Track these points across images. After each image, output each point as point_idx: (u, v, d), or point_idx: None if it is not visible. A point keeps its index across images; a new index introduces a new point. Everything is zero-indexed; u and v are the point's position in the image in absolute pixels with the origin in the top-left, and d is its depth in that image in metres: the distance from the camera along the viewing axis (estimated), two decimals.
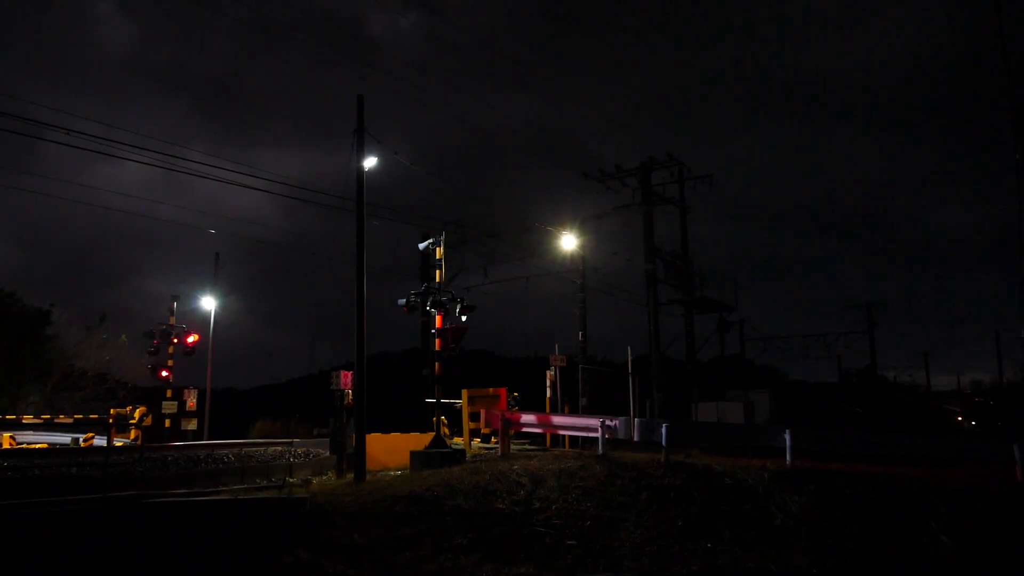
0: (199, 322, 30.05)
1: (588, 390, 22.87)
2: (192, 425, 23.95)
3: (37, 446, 20.48)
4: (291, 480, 14.84)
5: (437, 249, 18.38)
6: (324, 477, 15.83)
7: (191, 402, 23.78)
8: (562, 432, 19.21)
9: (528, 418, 17.77)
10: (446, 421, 21.26)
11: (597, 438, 14.72)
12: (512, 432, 17.85)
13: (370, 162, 16.08)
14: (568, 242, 27.22)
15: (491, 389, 21.24)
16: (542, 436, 21.15)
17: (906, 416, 49.03)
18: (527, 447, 20.78)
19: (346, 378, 16.02)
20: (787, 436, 13.77)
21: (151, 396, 23.44)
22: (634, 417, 16.00)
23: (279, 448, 19.75)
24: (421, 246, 19.67)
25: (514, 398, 21.50)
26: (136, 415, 21.24)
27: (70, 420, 20.98)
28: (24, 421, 19.75)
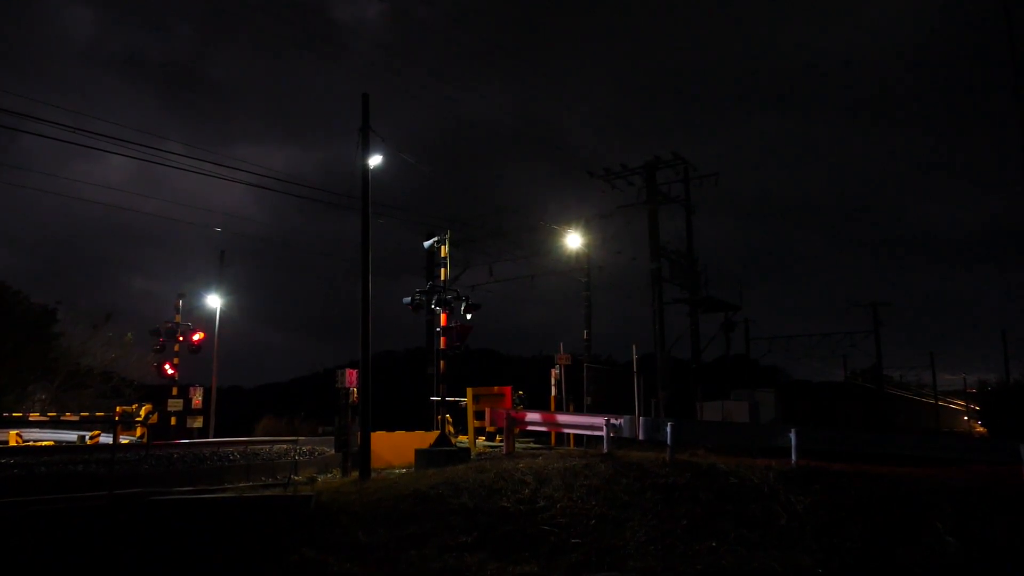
0: (204, 320, 30.20)
1: (593, 389, 22.86)
2: (198, 423, 24.03)
3: (43, 443, 20.55)
4: (296, 478, 14.87)
5: (442, 247, 18.37)
6: (329, 475, 15.86)
7: (197, 400, 23.86)
8: (567, 431, 19.21)
9: (533, 416, 17.77)
10: (451, 419, 21.28)
11: (602, 437, 14.72)
12: (517, 431, 17.85)
13: (375, 160, 16.08)
14: (573, 241, 27.22)
15: (496, 388, 21.23)
16: (547, 435, 21.15)
17: (911, 416, 48.94)
18: (532, 446, 20.78)
19: (351, 376, 16.03)
20: (792, 436, 13.76)
21: (157, 394, 23.51)
22: (639, 416, 15.98)
23: (284, 446, 19.81)
24: (426, 244, 19.65)
25: (519, 396, 21.49)
26: (142, 413, 21.30)
27: (76, 418, 21.03)
28: (31, 419, 19.80)
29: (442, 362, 17.80)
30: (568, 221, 27.67)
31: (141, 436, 20.83)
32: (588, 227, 27.62)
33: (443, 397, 17.90)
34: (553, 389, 22.95)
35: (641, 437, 14.85)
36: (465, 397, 21.20)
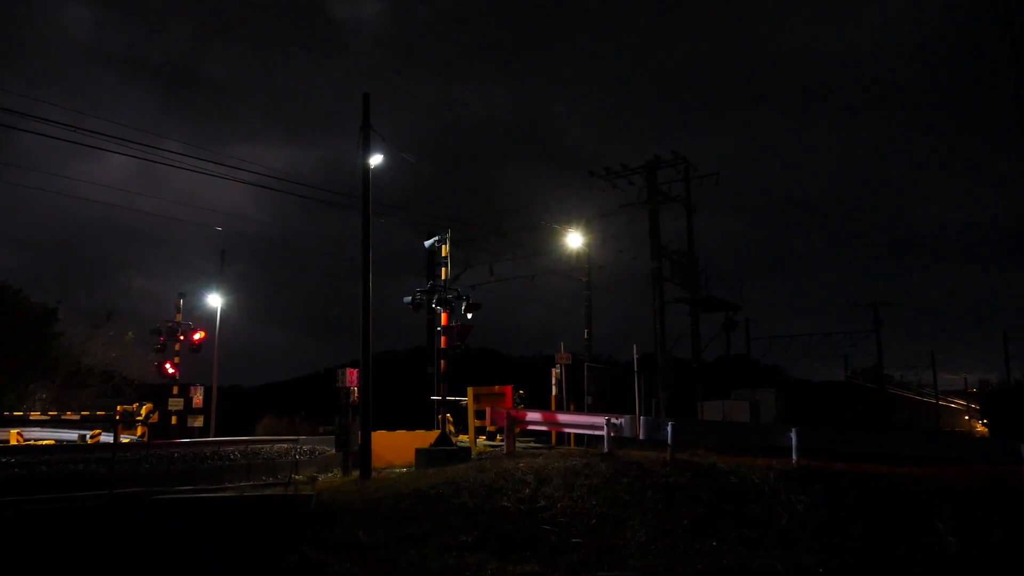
0: (205, 320, 30.26)
1: (593, 388, 22.85)
2: (198, 422, 24.07)
3: (44, 442, 20.56)
4: (297, 477, 14.87)
5: (442, 247, 18.38)
6: (330, 475, 15.86)
7: (197, 399, 23.89)
8: (567, 430, 19.21)
9: (534, 416, 17.78)
10: (451, 419, 21.29)
11: (603, 436, 14.71)
12: (517, 430, 17.86)
13: (375, 160, 16.06)
14: (574, 240, 27.22)
15: (496, 387, 21.25)
16: (547, 434, 21.15)
17: (912, 415, 48.92)
18: (532, 445, 20.78)
19: (352, 376, 16.04)
20: (793, 435, 13.76)
21: (158, 393, 23.55)
22: (639, 415, 15.98)
23: (285, 445, 19.82)
24: (426, 244, 19.67)
25: (520, 396, 21.49)
26: (143, 412, 21.32)
27: (77, 416, 21.05)
28: (31, 418, 19.83)
29: (443, 361, 17.81)
30: (569, 220, 27.69)
31: (142, 435, 20.85)
32: (589, 226, 27.63)
33: (444, 396, 17.90)
34: (554, 388, 22.95)
35: (642, 437, 14.84)
36: (466, 397, 21.22)
